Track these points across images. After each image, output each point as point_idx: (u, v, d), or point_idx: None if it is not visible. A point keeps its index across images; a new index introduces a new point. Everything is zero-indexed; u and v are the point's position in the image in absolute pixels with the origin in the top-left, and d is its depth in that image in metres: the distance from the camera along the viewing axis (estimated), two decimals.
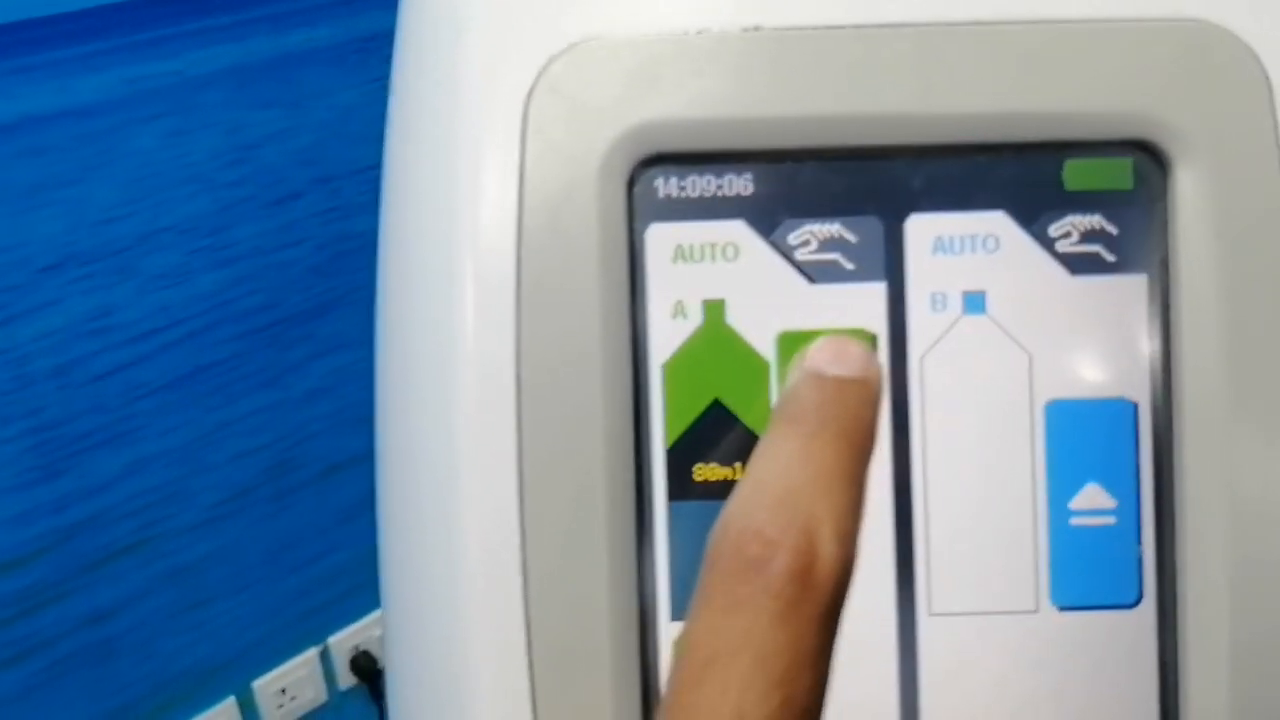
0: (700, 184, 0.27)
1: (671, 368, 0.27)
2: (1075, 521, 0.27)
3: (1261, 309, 0.26)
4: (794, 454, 0.22)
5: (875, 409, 0.23)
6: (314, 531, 1.16)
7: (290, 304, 1.13)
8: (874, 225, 0.27)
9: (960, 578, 0.26)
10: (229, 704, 1.15)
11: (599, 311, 0.26)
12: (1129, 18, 0.26)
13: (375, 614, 1.27)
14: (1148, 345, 0.27)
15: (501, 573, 0.25)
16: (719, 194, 0.27)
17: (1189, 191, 0.26)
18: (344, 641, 1.23)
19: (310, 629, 1.20)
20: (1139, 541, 0.26)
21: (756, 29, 0.26)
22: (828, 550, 0.21)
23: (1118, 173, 0.27)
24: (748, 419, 0.27)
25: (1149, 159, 0.26)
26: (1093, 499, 0.27)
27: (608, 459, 0.25)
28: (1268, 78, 0.26)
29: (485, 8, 0.27)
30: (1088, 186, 0.27)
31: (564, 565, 0.26)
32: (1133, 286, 0.27)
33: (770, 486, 0.22)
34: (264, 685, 1.17)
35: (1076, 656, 0.27)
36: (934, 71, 0.26)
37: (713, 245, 0.27)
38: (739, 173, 0.27)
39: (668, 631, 0.26)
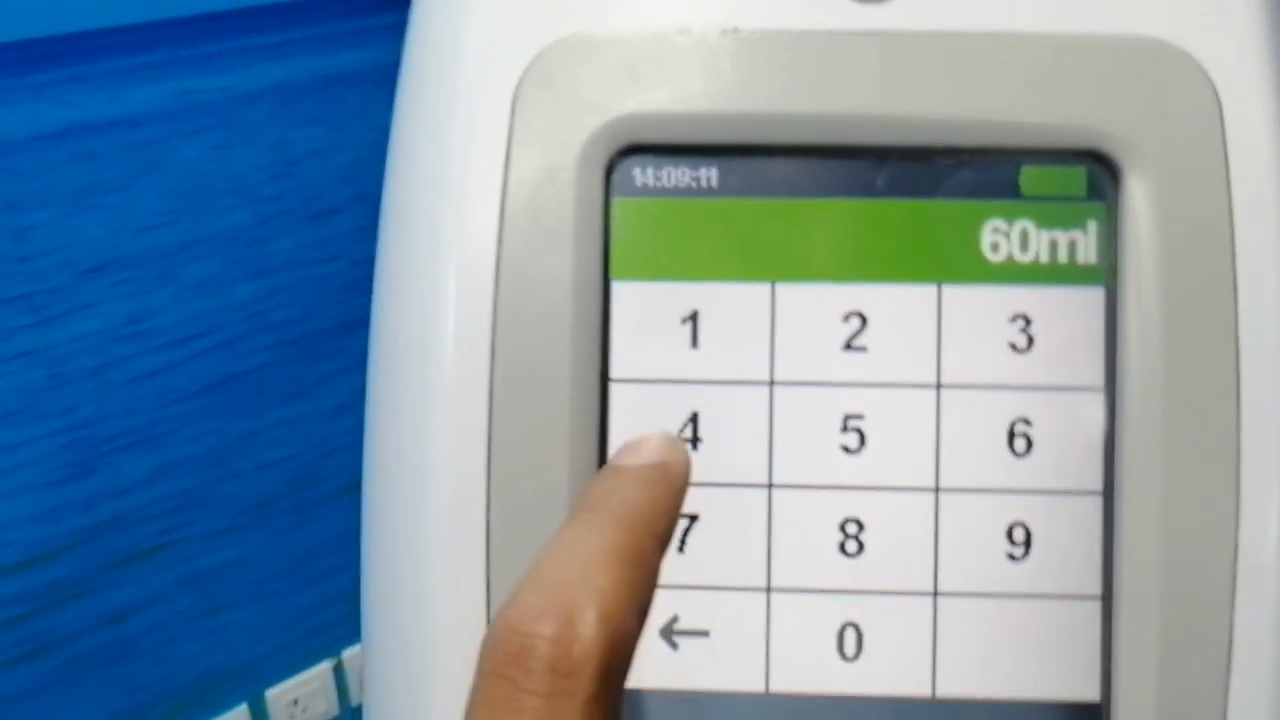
0: (675, 174, 0.28)
1: None
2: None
3: (1202, 316, 0.27)
4: (566, 543, 0.22)
5: (671, 490, 0.23)
6: (334, 546, 1.17)
7: (323, 318, 1.15)
8: None
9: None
10: (241, 711, 1.15)
11: (571, 290, 0.27)
12: (1087, 34, 0.28)
13: None
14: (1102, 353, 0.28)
15: (467, 527, 0.27)
16: (693, 184, 0.28)
17: (1138, 200, 0.27)
18: (358, 657, 1.23)
19: (325, 642, 1.20)
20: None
21: (735, 31, 0.28)
22: (589, 634, 0.20)
23: (1072, 180, 0.28)
24: None
25: (1102, 169, 0.28)
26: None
27: (572, 427, 0.27)
28: (1217, 94, 0.27)
29: (483, 1, 0.29)
30: (1043, 192, 0.28)
31: (528, 516, 0.27)
32: (1088, 298, 0.28)
33: (536, 578, 0.21)
34: (277, 695, 1.18)
35: None
36: (900, 77, 0.28)
37: None
38: (711, 165, 0.28)
39: None
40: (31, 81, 0.95)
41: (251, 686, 1.15)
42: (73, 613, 1.02)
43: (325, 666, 1.19)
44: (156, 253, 1.02)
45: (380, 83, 1.15)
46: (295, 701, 1.19)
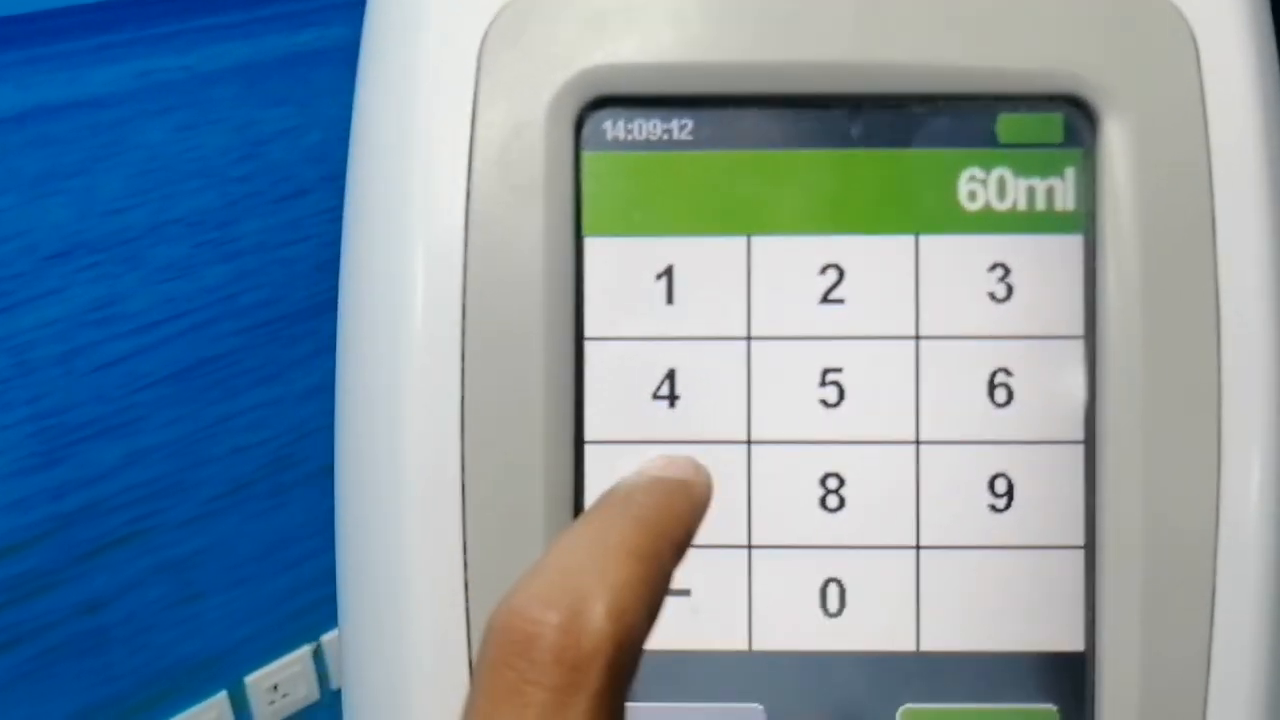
0: (646, 127, 0.27)
1: None
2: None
3: (1180, 262, 0.26)
4: (579, 535, 0.21)
5: (691, 505, 0.23)
6: (310, 529, 1.16)
7: (293, 300, 1.14)
8: None
9: None
10: (220, 698, 1.15)
11: (543, 247, 0.27)
12: None
13: None
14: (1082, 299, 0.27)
15: (442, 490, 0.26)
16: (665, 137, 0.28)
17: (1116, 146, 0.27)
18: (337, 640, 1.23)
19: (304, 626, 1.19)
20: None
21: None
22: (597, 627, 0.19)
23: (1049, 126, 0.28)
24: None
25: (1079, 114, 0.27)
26: None
27: (547, 386, 0.26)
28: (1194, 38, 0.27)
29: None
30: (1020, 139, 0.28)
31: (503, 480, 0.26)
32: (1067, 246, 0.27)
33: (546, 567, 0.21)
34: (256, 681, 1.17)
35: None
36: (873, 24, 0.27)
37: None
38: (684, 117, 0.28)
39: None
40: None
41: (230, 673, 1.15)
42: (45, 603, 1.01)
43: (305, 651, 1.19)
44: (122, 237, 1.00)
45: (349, 61, 1.14)
46: (275, 687, 1.19)
